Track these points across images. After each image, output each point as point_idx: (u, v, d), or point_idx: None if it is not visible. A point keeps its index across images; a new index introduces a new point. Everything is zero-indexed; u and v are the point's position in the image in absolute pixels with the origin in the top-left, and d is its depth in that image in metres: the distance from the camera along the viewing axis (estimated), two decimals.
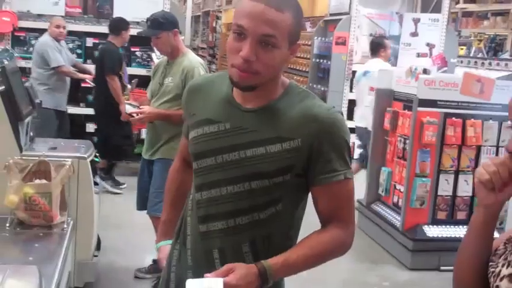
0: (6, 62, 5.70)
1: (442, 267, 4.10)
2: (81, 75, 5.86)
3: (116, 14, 6.42)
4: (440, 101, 4.25)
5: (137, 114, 3.44)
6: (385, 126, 4.79)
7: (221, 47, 14.17)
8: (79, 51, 6.35)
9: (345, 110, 7.75)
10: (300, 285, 2.75)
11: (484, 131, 4.31)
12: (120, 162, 6.03)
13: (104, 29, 6.30)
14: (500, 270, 1.17)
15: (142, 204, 3.58)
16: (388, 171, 4.70)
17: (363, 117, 5.72)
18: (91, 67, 6.02)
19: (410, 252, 4.27)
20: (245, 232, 1.46)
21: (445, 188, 4.35)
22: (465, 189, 4.35)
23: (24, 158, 2.69)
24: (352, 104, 7.81)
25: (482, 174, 1.16)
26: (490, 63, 8.86)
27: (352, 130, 7.71)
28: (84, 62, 6.29)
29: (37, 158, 2.65)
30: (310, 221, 1.61)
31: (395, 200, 4.64)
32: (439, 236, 4.24)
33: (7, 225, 2.46)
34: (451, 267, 1.30)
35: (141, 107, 3.52)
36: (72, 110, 6.06)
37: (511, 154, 1.15)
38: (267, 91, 1.44)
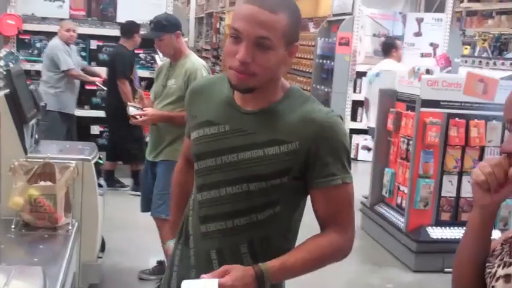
0: (11, 65, 5.78)
1: (446, 269, 4.08)
2: (91, 78, 5.91)
3: (120, 16, 6.46)
4: (443, 101, 4.25)
5: (140, 116, 3.46)
6: (388, 127, 4.79)
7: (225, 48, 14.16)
8: (83, 53, 6.39)
9: (348, 110, 7.76)
10: (302, 287, 2.75)
11: (487, 132, 4.30)
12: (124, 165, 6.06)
13: (107, 31, 6.35)
14: (496, 271, 1.18)
15: (146, 206, 3.60)
16: (392, 172, 4.70)
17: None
18: (98, 69, 6.07)
19: (414, 253, 4.26)
20: (243, 233, 1.47)
21: (448, 189, 4.34)
22: (469, 190, 4.33)
23: (29, 160, 2.71)
24: (355, 104, 7.83)
25: (478, 175, 1.17)
26: (494, 63, 8.83)
27: (356, 131, 7.79)
28: (89, 64, 6.33)
29: (42, 160, 2.67)
30: (311, 223, 1.62)
31: (398, 201, 4.64)
32: (443, 237, 4.23)
33: (12, 226, 2.48)
34: None
35: (144, 109, 3.54)
36: (77, 112, 6.09)
37: (506, 155, 1.16)
38: (266, 93, 1.45)
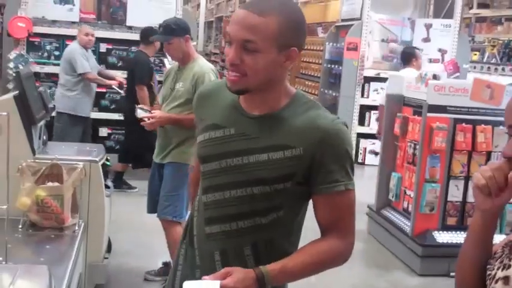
0: (21, 67, 5.84)
1: (451, 273, 4.07)
2: (107, 82, 5.97)
3: (129, 20, 6.52)
4: (450, 106, 4.25)
5: (148, 119, 3.49)
6: (395, 132, 4.79)
7: None
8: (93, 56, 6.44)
9: (356, 115, 7.76)
10: None
11: (494, 137, 4.29)
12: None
13: (117, 34, 6.40)
14: (495, 273, 1.19)
15: (152, 207, 3.62)
16: (398, 176, 4.70)
17: None
18: (114, 72, 6.16)
19: (420, 258, 4.26)
20: (247, 235, 1.48)
21: (455, 193, 4.34)
22: None
23: (37, 161, 2.74)
24: (363, 109, 7.83)
25: (479, 179, 1.18)
26: (503, 69, 8.80)
27: (364, 135, 7.79)
28: None
29: (50, 161, 2.70)
30: (314, 227, 1.63)
31: (405, 205, 4.63)
32: (449, 241, 4.22)
33: (20, 227, 2.51)
34: None
35: (152, 111, 3.57)
36: None
37: (507, 159, 1.17)
38: (270, 98, 1.47)
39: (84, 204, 2.88)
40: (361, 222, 4.94)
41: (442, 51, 7.79)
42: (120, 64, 6.51)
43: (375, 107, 7.68)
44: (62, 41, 6.38)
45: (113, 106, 6.46)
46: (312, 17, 10.57)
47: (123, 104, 6.01)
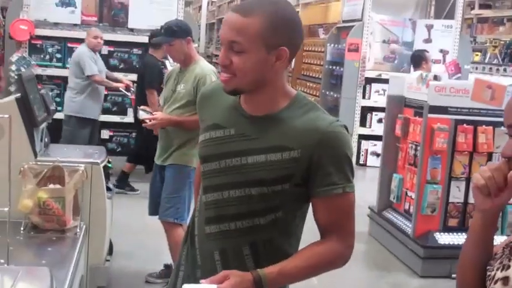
0: (23, 70, 5.86)
1: (453, 275, 4.06)
2: (114, 84, 5.98)
3: (131, 22, 6.53)
4: (451, 107, 4.25)
5: (150, 120, 3.50)
6: (396, 133, 4.79)
7: None
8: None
9: (357, 116, 7.76)
10: None
11: (495, 138, 4.28)
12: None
13: (119, 37, 6.42)
14: (495, 274, 1.19)
15: (154, 210, 3.62)
16: (400, 177, 4.70)
17: None
18: (121, 75, 6.19)
19: (421, 259, 4.25)
20: (246, 236, 1.49)
21: (456, 195, 4.33)
22: None
23: (38, 163, 2.74)
24: (364, 110, 7.83)
25: (478, 179, 1.18)
26: (505, 69, 8.80)
27: (365, 137, 7.79)
28: None
29: (51, 163, 2.70)
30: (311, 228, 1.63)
31: (406, 206, 4.63)
32: (451, 243, 4.22)
33: (21, 229, 2.51)
34: None
35: (153, 113, 3.58)
36: None
37: (506, 159, 1.17)
38: (268, 99, 1.47)
39: (85, 207, 2.88)
40: (362, 224, 4.96)
41: (444, 52, 7.79)
42: (121, 66, 6.52)
43: (376, 109, 7.69)
44: (64, 43, 6.40)
45: (115, 108, 6.47)
46: (313, 19, 10.59)
47: (134, 106, 6.03)
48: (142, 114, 3.61)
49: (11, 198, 1.98)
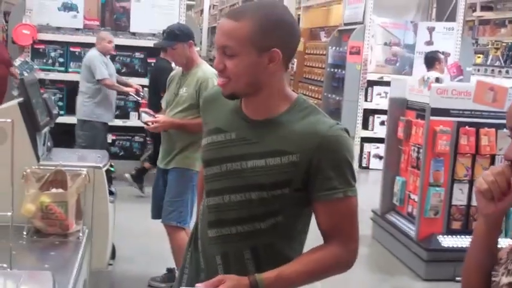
0: (25, 74, 5.88)
1: (457, 278, 4.04)
2: (124, 89, 5.97)
3: (133, 26, 6.55)
4: (453, 109, 4.24)
5: (152, 123, 3.50)
6: (398, 135, 4.78)
7: None
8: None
9: (359, 119, 7.76)
10: None
11: (498, 140, 4.27)
12: None
13: (121, 41, 6.43)
14: (500, 279, 1.18)
15: (157, 213, 3.62)
16: (402, 180, 4.69)
17: None
18: (130, 80, 6.19)
19: (425, 262, 4.24)
20: (247, 240, 1.49)
21: (459, 197, 4.32)
22: None
23: (41, 167, 2.75)
24: (367, 113, 7.83)
25: (481, 183, 1.18)
26: (507, 71, 8.79)
27: (368, 139, 7.78)
28: None
29: (54, 167, 2.70)
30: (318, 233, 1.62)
31: (409, 209, 4.62)
32: (454, 246, 4.20)
33: (24, 233, 2.51)
34: None
35: (156, 116, 3.58)
36: None
37: (509, 163, 1.17)
38: (267, 103, 1.47)
39: (88, 211, 2.88)
40: (365, 227, 4.96)
41: (445, 54, 7.78)
42: (124, 70, 6.53)
43: (378, 111, 7.68)
44: (67, 47, 6.42)
45: (118, 112, 6.47)
46: (315, 22, 10.60)
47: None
48: (144, 117, 3.61)
49: (14, 203, 1.99)
